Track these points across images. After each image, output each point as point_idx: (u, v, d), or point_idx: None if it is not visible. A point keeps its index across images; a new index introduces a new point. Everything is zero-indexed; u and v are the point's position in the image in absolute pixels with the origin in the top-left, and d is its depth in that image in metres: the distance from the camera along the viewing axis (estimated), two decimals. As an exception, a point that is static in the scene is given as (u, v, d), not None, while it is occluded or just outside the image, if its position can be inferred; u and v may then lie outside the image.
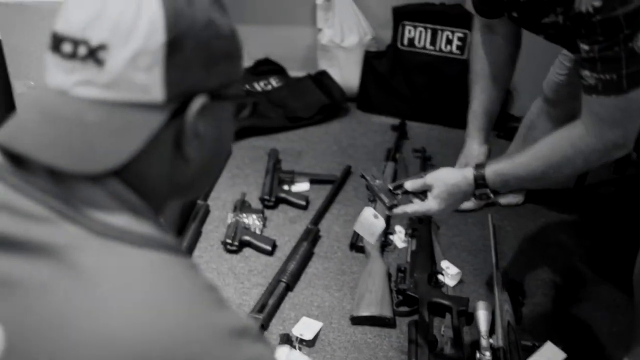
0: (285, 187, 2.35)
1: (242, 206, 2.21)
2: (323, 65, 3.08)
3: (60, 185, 0.59)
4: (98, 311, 0.54)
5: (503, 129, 2.67)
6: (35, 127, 0.61)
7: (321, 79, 2.99)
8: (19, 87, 2.20)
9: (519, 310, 1.79)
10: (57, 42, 0.62)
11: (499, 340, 1.61)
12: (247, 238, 2.07)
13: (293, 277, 1.91)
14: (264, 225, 2.17)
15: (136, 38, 0.59)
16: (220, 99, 0.68)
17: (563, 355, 1.66)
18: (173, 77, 0.61)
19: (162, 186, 0.67)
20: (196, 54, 0.63)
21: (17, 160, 0.61)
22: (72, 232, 0.57)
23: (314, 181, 2.41)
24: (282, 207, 2.29)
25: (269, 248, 2.04)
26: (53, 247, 0.56)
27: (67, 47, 0.61)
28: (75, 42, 0.60)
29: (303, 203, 2.27)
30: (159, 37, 0.60)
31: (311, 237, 2.07)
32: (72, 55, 0.60)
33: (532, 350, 1.67)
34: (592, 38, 1.15)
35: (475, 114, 1.70)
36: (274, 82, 3.05)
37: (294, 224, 2.19)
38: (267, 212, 2.24)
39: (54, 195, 0.58)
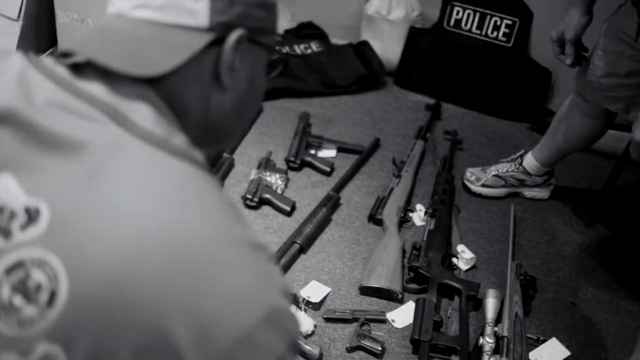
0: (312, 152, 2.34)
1: (266, 164, 2.21)
2: (366, 35, 3.04)
3: (111, 92, 0.65)
4: (130, 201, 0.58)
5: (539, 122, 2.64)
6: (94, 38, 0.71)
7: (362, 49, 2.96)
8: (62, 17, 2.22)
9: (528, 303, 1.78)
10: None
11: (504, 329, 1.61)
12: (267, 196, 2.07)
13: (308, 240, 1.92)
14: (286, 186, 2.17)
15: None
16: (255, 42, 0.76)
17: (567, 352, 1.65)
18: (217, 7, 0.70)
19: (197, 111, 0.73)
20: None
21: (76, 68, 0.68)
22: (117, 133, 0.62)
23: (341, 149, 2.40)
24: (306, 170, 2.29)
25: (287, 208, 2.04)
26: (98, 144, 0.61)
27: None
28: None
29: (327, 169, 2.27)
30: None
31: (331, 203, 2.07)
32: None
33: (537, 343, 1.67)
34: None
35: None
36: (315, 47, 3.03)
37: (315, 189, 2.19)
38: (291, 174, 2.25)
39: (105, 101, 0.64)
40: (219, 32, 0.71)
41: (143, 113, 0.64)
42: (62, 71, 0.67)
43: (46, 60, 0.69)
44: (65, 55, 0.69)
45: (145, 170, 0.61)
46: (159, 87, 0.68)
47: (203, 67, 0.71)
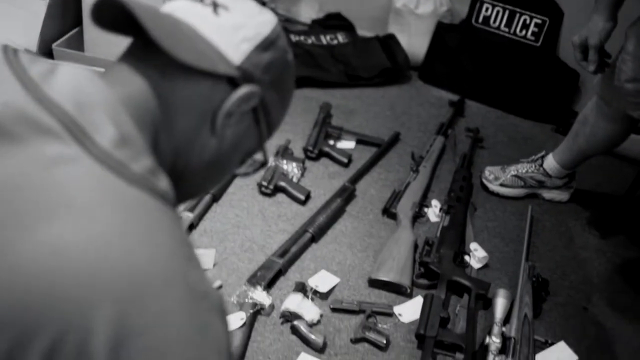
0: (331, 142, 2.34)
1: (284, 152, 2.21)
2: (393, 29, 3.02)
3: (79, 102, 0.61)
4: (68, 223, 0.53)
5: (563, 124, 2.59)
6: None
7: (388, 42, 2.94)
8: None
9: (539, 306, 1.75)
10: None
11: (512, 330, 1.58)
12: (282, 184, 2.07)
13: (320, 230, 1.91)
14: (302, 175, 2.17)
15: (254, 18, 0.76)
16: (256, 118, 0.78)
17: (574, 357, 1.63)
18: (253, 58, 0.74)
19: (176, 145, 0.72)
20: (272, 66, 0.77)
21: (50, 69, 0.64)
22: (73, 150, 0.57)
23: (360, 141, 2.39)
24: (324, 161, 2.28)
25: (302, 197, 2.04)
26: (43, 152, 0.56)
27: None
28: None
29: (345, 160, 2.26)
30: (266, 29, 0.76)
31: (346, 194, 2.06)
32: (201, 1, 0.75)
33: (545, 346, 1.65)
34: None
35: None
36: (341, 38, 3.01)
37: (332, 179, 2.18)
38: (308, 163, 2.24)
39: (67, 111, 0.59)
40: (239, 76, 0.73)
41: (105, 131, 0.60)
42: (36, 71, 0.63)
43: (24, 57, 0.65)
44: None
45: (88, 193, 0.56)
46: (163, 85, 0.69)
47: (211, 96, 0.72)
